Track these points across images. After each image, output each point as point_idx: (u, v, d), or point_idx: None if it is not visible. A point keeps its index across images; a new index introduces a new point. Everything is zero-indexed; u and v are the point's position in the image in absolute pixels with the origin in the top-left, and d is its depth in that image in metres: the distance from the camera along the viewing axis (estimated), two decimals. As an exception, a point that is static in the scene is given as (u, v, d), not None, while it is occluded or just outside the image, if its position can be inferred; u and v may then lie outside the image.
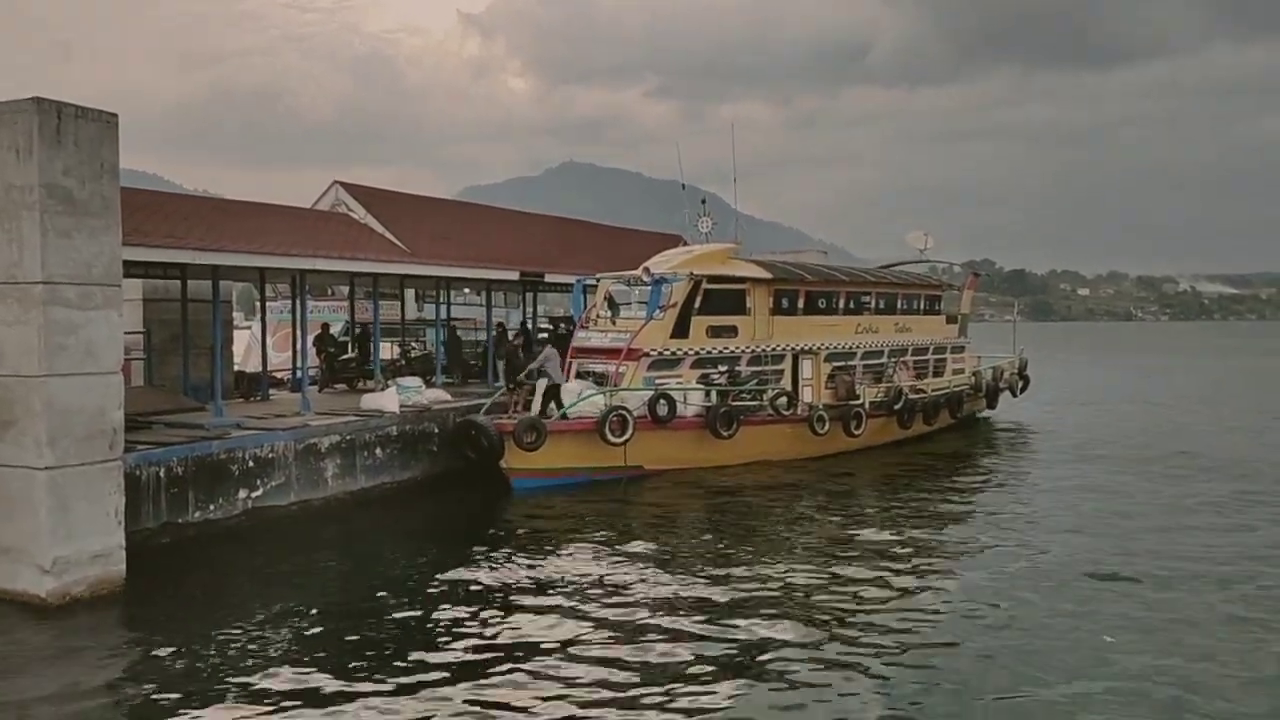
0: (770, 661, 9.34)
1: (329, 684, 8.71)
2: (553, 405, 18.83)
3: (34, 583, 10.65)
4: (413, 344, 28.62)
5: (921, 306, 27.24)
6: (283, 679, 8.82)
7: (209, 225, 16.36)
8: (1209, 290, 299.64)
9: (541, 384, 18.96)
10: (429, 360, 24.63)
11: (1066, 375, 51.63)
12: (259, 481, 15.00)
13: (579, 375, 20.47)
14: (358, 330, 24.78)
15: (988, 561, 13.12)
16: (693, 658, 9.39)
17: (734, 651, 9.58)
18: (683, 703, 8.36)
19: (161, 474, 13.47)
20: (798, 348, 22.46)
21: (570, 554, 13.44)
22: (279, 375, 23.52)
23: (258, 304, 24.82)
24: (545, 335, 26.10)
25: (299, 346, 19.50)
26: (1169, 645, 9.82)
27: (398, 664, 9.23)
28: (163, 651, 9.47)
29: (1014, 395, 30.32)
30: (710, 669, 9.11)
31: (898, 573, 12.37)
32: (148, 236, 14.27)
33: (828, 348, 23.19)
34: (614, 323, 21.27)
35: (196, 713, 8.13)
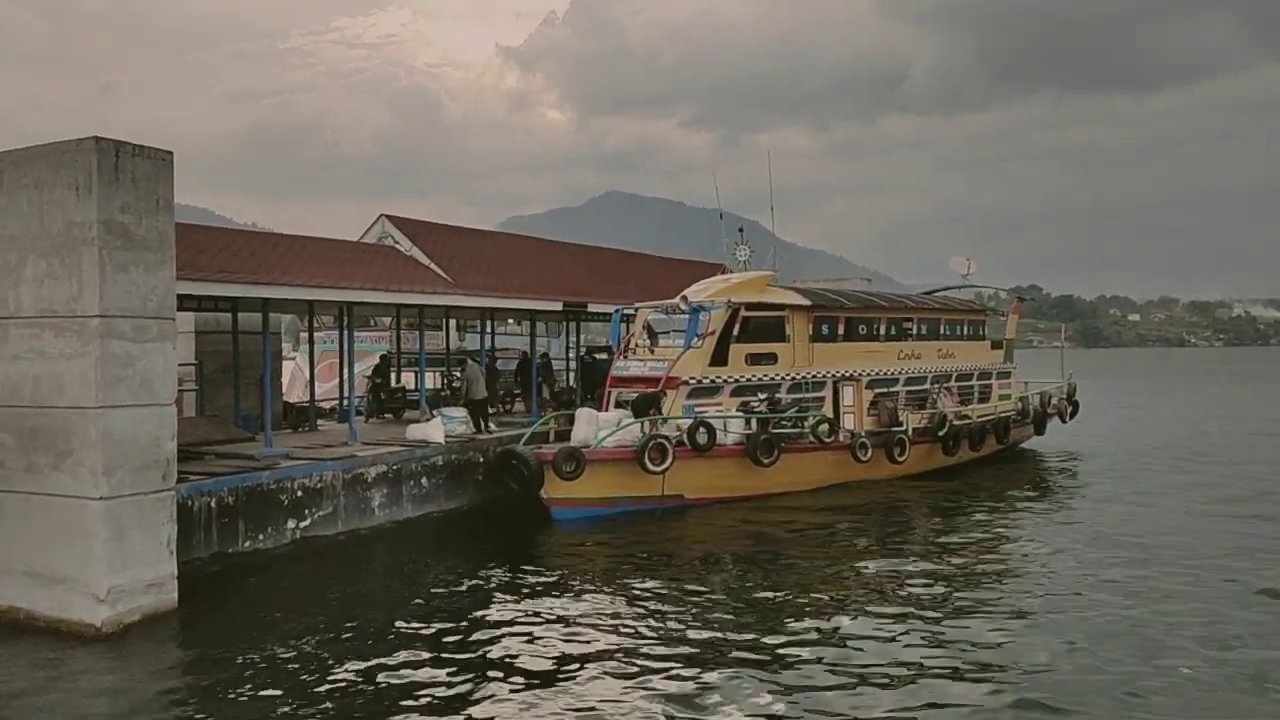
0: (807, 693, 9.28)
1: (378, 713, 8.81)
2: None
3: (89, 611, 10.88)
4: (457, 374, 28.92)
5: (965, 332, 27.00)
6: (332, 708, 8.93)
7: (259, 259, 16.76)
8: (1264, 315, 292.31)
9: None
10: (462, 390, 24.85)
11: (1121, 403, 50.68)
12: (307, 511, 15.24)
13: (618, 404, 20.55)
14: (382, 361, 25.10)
15: (1035, 602, 12.71)
16: (734, 690, 9.37)
17: (773, 686, 9.54)
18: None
19: (213, 504, 13.74)
20: (838, 374, 22.36)
21: (611, 584, 13.48)
22: (323, 405, 23.88)
23: (301, 335, 25.22)
24: (590, 362, 26.36)
25: (345, 376, 19.82)
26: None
27: (444, 691, 9.31)
28: (215, 680, 9.63)
29: (1063, 421, 29.85)
30: (746, 700, 9.09)
31: (940, 615, 11.95)
32: (201, 270, 14.64)
33: (869, 374, 23.06)
34: (652, 351, 21.35)
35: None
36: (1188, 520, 17.93)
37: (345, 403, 20.39)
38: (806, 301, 22.13)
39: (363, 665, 10.05)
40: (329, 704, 8.97)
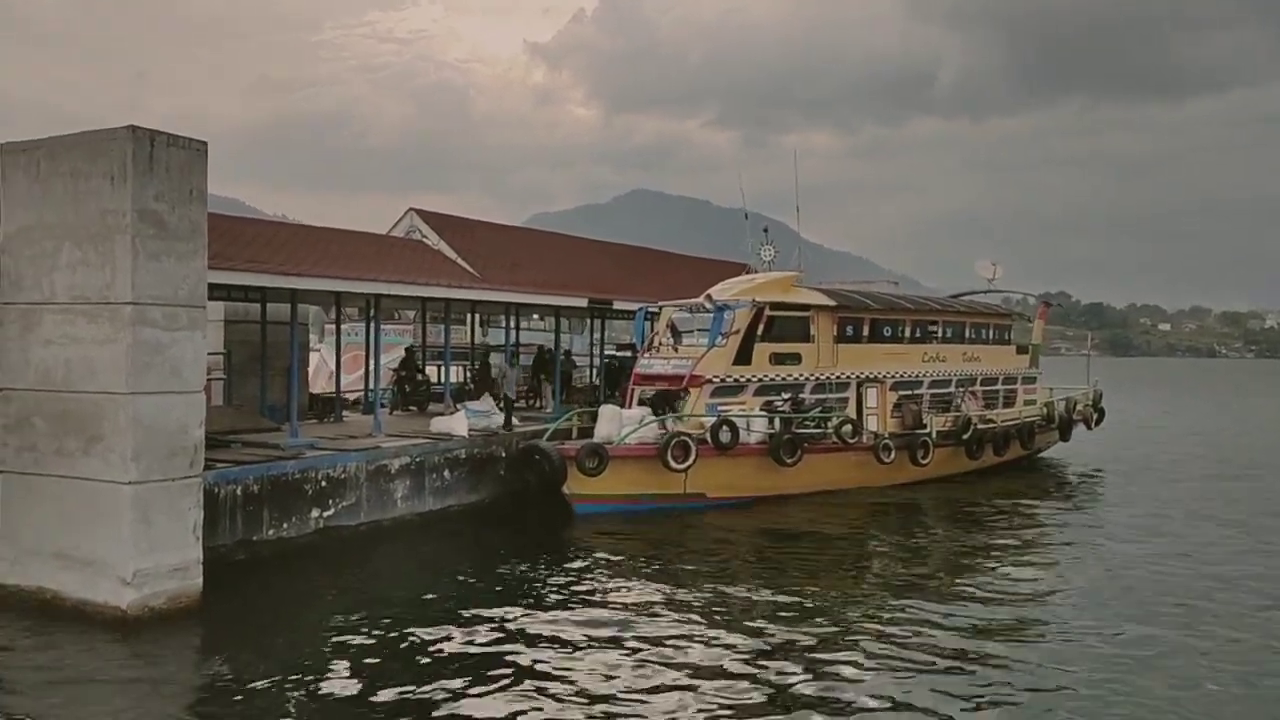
0: (821, 695, 9.27)
1: (397, 700, 8.89)
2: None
3: (115, 594, 11.01)
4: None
5: (990, 336, 26.81)
6: (353, 694, 9.02)
7: (289, 250, 16.88)
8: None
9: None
10: (495, 385, 24.94)
11: (1151, 410, 50.14)
12: (331, 501, 15.35)
13: (641, 402, 20.56)
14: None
15: (1058, 615, 12.62)
16: (749, 692, 9.36)
17: (787, 683, 9.53)
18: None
19: (238, 492, 13.87)
20: (862, 376, 22.28)
21: (632, 583, 13.50)
22: (348, 396, 24.04)
23: (326, 327, 25.33)
24: (611, 361, 26.39)
25: (371, 368, 19.95)
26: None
27: (464, 682, 9.36)
28: (238, 664, 9.76)
29: (1089, 428, 29.57)
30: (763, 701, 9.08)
31: (959, 622, 11.92)
32: (231, 260, 14.73)
33: (893, 376, 22.95)
34: (676, 350, 21.35)
35: (267, 723, 8.36)
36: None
37: (371, 394, 20.51)
38: (831, 302, 22.07)
39: (381, 656, 10.14)
40: (346, 692, 9.05)
